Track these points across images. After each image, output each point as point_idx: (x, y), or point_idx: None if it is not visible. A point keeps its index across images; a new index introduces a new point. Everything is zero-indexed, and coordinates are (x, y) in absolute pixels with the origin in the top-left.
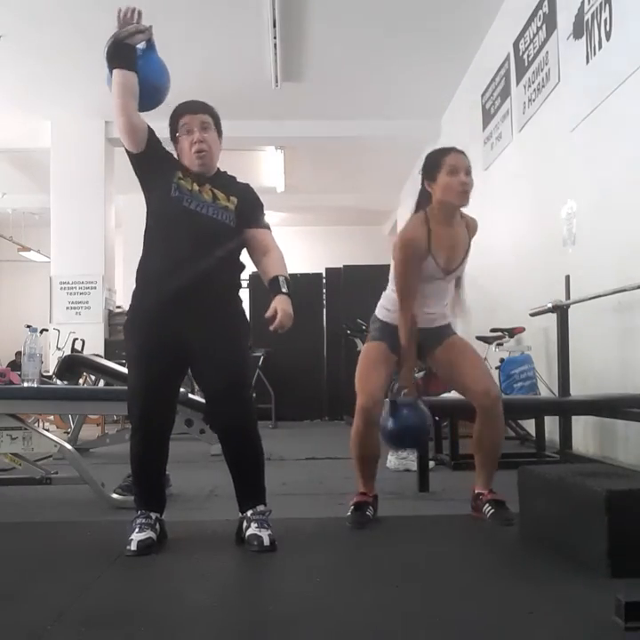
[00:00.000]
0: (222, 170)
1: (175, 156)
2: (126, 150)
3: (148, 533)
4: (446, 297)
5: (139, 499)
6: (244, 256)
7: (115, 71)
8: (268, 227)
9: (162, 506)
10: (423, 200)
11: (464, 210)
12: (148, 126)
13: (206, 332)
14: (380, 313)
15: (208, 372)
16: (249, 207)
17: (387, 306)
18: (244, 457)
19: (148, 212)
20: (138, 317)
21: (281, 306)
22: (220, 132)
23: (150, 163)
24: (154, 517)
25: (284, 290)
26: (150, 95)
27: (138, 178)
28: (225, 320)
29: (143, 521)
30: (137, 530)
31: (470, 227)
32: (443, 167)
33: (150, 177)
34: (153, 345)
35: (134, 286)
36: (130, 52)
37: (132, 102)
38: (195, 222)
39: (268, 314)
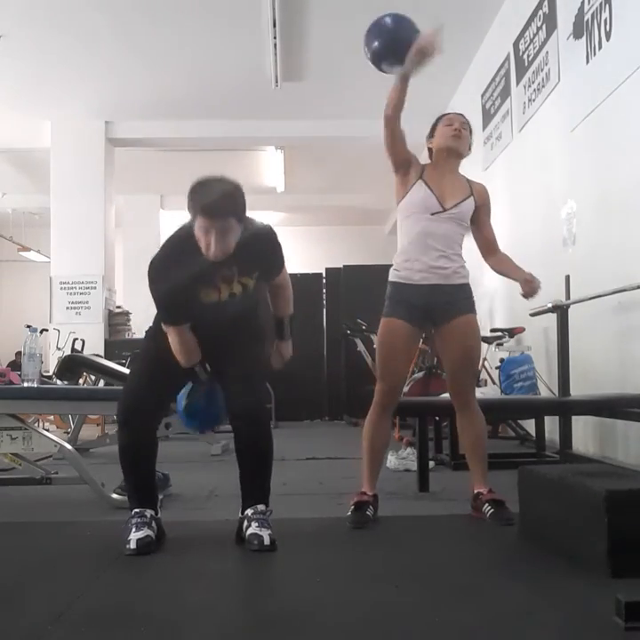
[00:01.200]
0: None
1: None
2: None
3: (146, 531)
4: (456, 249)
5: (132, 497)
6: None
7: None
8: (283, 266)
9: (155, 503)
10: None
11: None
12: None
13: (222, 341)
14: (391, 277)
15: (224, 368)
16: (269, 268)
17: (394, 265)
18: (256, 451)
19: None
20: (161, 336)
21: (281, 352)
22: (242, 219)
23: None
24: (149, 515)
25: (284, 337)
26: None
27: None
28: (244, 335)
29: (139, 520)
30: (134, 529)
31: (476, 187)
32: (440, 122)
33: None
34: (168, 360)
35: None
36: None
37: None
38: (217, 321)
39: (273, 361)
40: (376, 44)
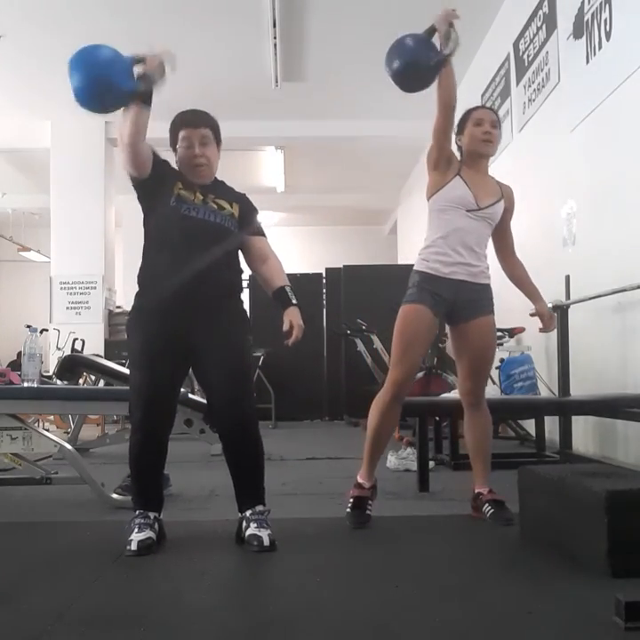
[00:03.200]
0: (219, 179)
1: (174, 164)
2: (130, 176)
3: (148, 533)
4: (483, 249)
5: (137, 498)
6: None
7: (134, 106)
8: (264, 234)
9: (160, 505)
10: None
11: None
12: (153, 150)
13: (208, 331)
14: (417, 266)
15: (210, 371)
16: (249, 216)
17: (423, 255)
18: (245, 457)
19: (146, 223)
20: (140, 316)
21: (295, 320)
22: (219, 142)
23: (153, 183)
24: (152, 517)
25: (294, 301)
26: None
27: (138, 196)
28: (227, 319)
29: (142, 521)
30: (136, 530)
31: (505, 190)
32: (469, 120)
33: (150, 194)
34: (155, 344)
35: (137, 289)
36: (151, 90)
37: (143, 136)
38: (197, 230)
39: (285, 328)
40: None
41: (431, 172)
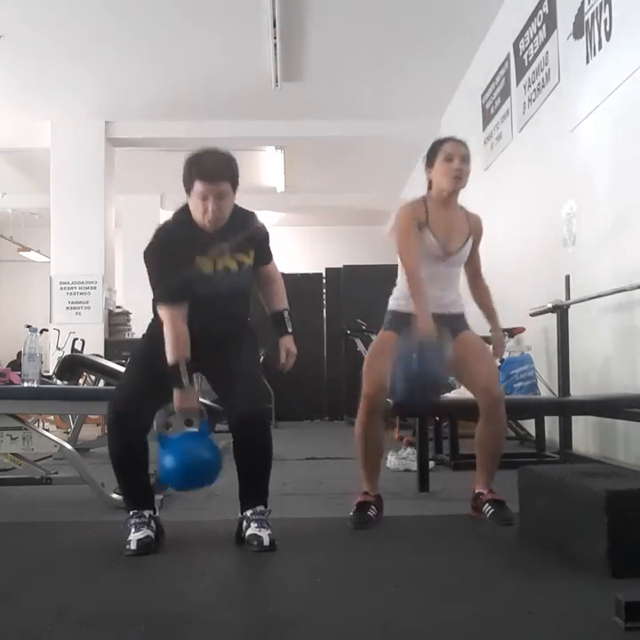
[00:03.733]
0: (234, 215)
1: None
2: None
3: (146, 531)
4: (454, 286)
5: (127, 499)
6: None
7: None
8: (272, 257)
9: (151, 502)
10: (428, 188)
11: (467, 206)
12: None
13: (220, 347)
14: (390, 305)
15: (225, 372)
16: (261, 250)
17: (396, 296)
18: (254, 455)
19: None
20: (153, 341)
21: (289, 348)
22: (236, 187)
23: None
24: (147, 515)
25: (289, 330)
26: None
27: None
28: (238, 339)
29: (137, 520)
30: (133, 530)
31: (473, 223)
32: (439, 154)
33: None
34: (162, 357)
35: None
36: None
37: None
38: (214, 296)
39: (282, 358)
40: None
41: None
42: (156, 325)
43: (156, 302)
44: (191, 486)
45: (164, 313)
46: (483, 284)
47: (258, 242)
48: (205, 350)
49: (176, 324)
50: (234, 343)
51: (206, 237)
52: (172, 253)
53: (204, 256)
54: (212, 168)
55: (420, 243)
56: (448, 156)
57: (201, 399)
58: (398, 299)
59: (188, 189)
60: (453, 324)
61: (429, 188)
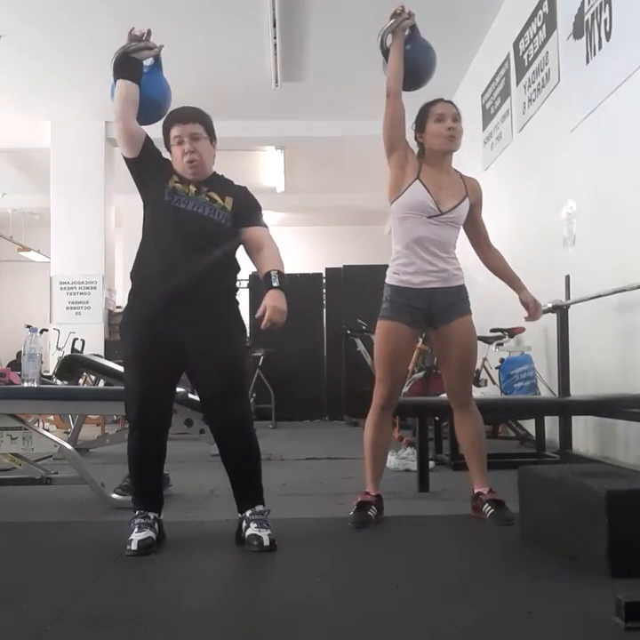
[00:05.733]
0: (219, 174)
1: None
2: (123, 155)
3: (148, 533)
4: (451, 252)
5: (137, 498)
6: (243, 256)
7: (119, 81)
8: (264, 225)
9: (159, 505)
10: (420, 154)
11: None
12: (146, 135)
13: (201, 332)
14: (389, 279)
15: (203, 372)
16: (245, 207)
17: (392, 267)
18: (241, 457)
19: (144, 217)
20: (134, 317)
21: (271, 302)
22: (212, 137)
23: (145, 168)
24: (152, 517)
25: (274, 284)
26: (151, 110)
27: (135, 182)
28: (220, 320)
29: (142, 521)
30: (136, 530)
31: (470, 186)
32: (430, 116)
33: (145, 182)
34: (149, 344)
35: (130, 286)
36: (135, 65)
37: (131, 111)
38: (188, 222)
39: (259, 313)
40: None
41: (389, 165)
42: (132, 300)
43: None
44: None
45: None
46: (493, 250)
47: (239, 194)
48: (186, 342)
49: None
50: (214, 325)
51: (186, 179)
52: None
53: (182, 183)
54: (183, 112)
55: (411, 194)
56: (439, 117)
57: (191, 396)
58: (398, 271)
59: (168, 144)
60: (455, 301)
61: (423, 153)
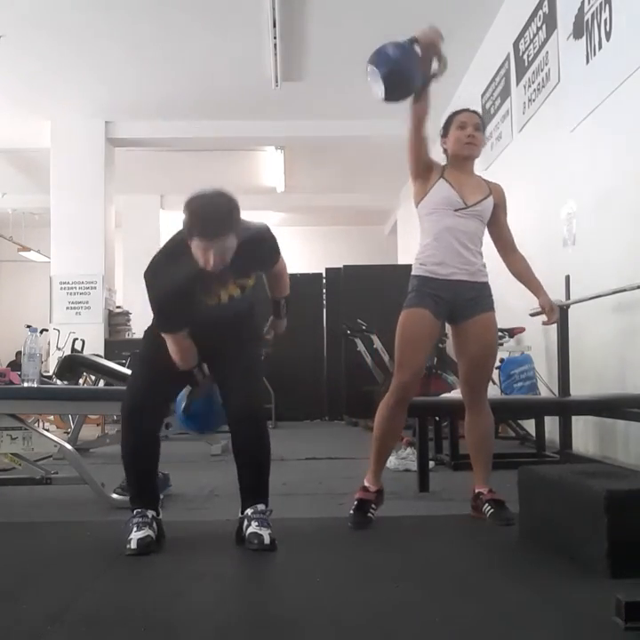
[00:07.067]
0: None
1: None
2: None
3: (147, 531)
4: (478, 246)
5: (133, 497)
6: None
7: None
8: (278, 258)
9: (156, 503)
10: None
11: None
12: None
13: (224, 340)
14: (415, 271)
15: (226, 368)
16: (265, 266)
17: (420, 259)
18: (252, 451)
19: None
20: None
21: (277, 328)
22: (238, 232)
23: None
24: (150, 516)
25: (281, 316)
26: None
27: None
28: (242, 332)
29: (140, 520)
30: (135, 529)
31: (494, 188)
32: (453, 123)
33: None
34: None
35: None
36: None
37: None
38: (217, 321)
39: (267, 332)
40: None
41: (414, 181)
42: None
43: (156, 329)
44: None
45: (166, 336)
46: (518, 255)
47: (261, 261)
48: (205, 344)
49: (180, 343)
50: (234, 337)
51: (209, 273)
52: (173, 290)
53: (205, 290)
54: (211, 225)
55: (437, 191)
56: (461, 125)
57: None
58: (425, 264)
59: (190, 238)
60: (480, 296)
61: (447, 158)
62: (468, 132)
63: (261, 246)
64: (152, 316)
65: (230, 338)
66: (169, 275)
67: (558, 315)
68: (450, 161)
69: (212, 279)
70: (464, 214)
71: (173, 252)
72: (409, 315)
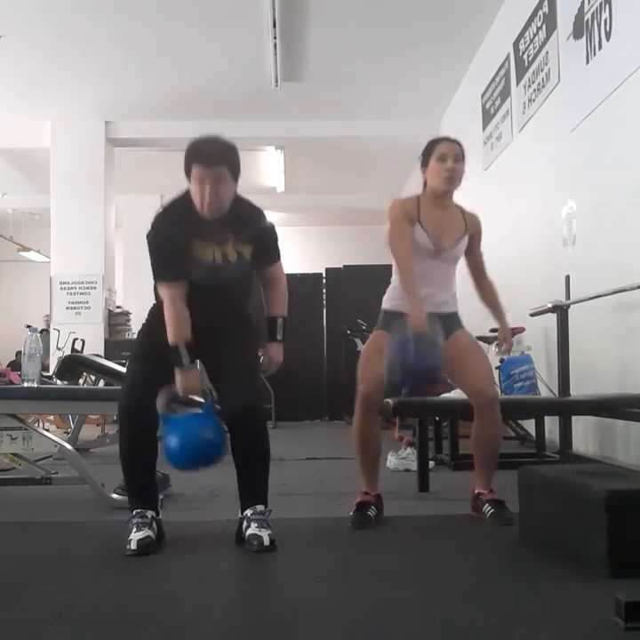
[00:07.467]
0: (238, 204)
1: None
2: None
3: (147, 532)
4: (448, 285)
5: (132, 497)
6: None
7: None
8: (278, 258)
9: (155, 503)
10: (423, 187)
11: (467, 207)
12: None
13: (219, 338)
14: (384, 304)
15: (223, 367)
16: (264, 249)
17: (389, 295)
18: (251, 451)
19: None
20: (152, 327)
21: (272, 356)
22: (236, 175)
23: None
24: (150, 516)
25: (279, 337)
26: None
27: None
28: (236, 329)
29: (140, 520)
30: (135, 529)
31: (470, 221)
32: (433, 154)
33: None
34: (162, 347)
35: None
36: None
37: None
38: (214, 286)
39: (263, 364)
40: None
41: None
42: (154, 312)
43: (156, 281)
44: (192, 465)
45: (164, 292)
46: (488, 282)
47: (260, 239)
48: (204, 341)
49: (176, 304)
50: (232, 335)
51: (207, 224)
52: (172, 236)
53: (202, 240)
54: (209, 152)
55: (412, 238)
56: (441, 156)
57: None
58: (392, 298)
59: (188, 174)
60: (447, 323)
61: (425, 187)
62: (448, 165)
63: (261, 218)
64: (148, 307)
65: (226, 330)
66: (168, 226)
67: (512, 345)
68: (428, 193)
69: (211, 231)
70: (437, 260)
71: (172, 208)
72: (370, 337)
